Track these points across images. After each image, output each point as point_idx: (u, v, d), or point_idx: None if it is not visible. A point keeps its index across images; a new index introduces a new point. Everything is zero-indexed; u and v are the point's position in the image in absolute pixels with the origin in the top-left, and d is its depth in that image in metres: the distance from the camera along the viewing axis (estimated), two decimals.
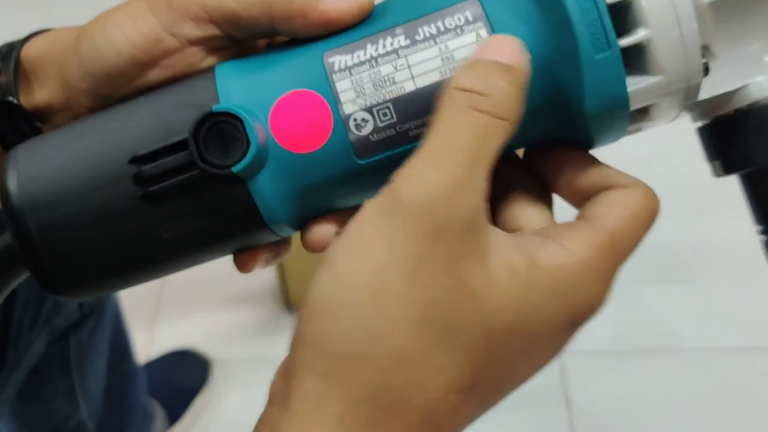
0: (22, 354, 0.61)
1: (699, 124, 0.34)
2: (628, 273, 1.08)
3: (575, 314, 0.29)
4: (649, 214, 0.31)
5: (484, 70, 0.29)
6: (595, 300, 0.29)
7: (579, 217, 0.31)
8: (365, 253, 0.27)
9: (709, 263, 1.05)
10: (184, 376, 1.03)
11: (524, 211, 0.33)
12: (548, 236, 0.30)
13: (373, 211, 0.28)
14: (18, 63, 0.37)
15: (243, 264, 0.37)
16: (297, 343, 0.28)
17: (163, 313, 1.13)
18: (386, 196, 0.28)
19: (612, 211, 0.30)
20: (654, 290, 1.09)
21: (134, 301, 0.96)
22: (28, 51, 0.38)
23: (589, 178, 0.32)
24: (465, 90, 0.28)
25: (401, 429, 0.27)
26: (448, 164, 0.27)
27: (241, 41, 0.35)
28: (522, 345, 0.28)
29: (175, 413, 0.99)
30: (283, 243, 0.38)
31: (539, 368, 0.30)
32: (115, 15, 0.34)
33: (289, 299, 1.11)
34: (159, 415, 0.97)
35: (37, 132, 0.38)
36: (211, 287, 1.09)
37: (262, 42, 0.37)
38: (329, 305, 0.27)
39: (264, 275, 1.12)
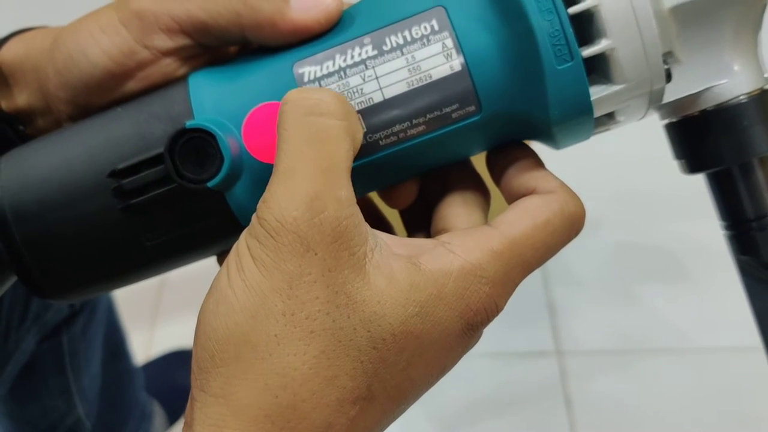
0: (12, 351, 0.61)
1: (666, 121, 0.34)
2: (628, 273, 1.08)
3: (467, 318, 0.29)
4: (564, 223, 0.31)
5: (308, 87, 0.30)
6: (488, 304, 0.29)
7: (488, 223, 0.31)
8: (243, 278, 0.28)
9: (709, 263, 1.04)
10: (184, 376, 1.02)
11: (453, 213, 0.33)
12: (443, 241, 0.30)
13: (246, 238, 0.28)
14: None
15: None
16: (194, 369, 0.28)
17: (163, 313, 1.13)
18: (254, 223, 0.28)
19: (518, 217, 0.30)
20: (654, 290, 1.08)
21: (134, 301, 0.97)
22: (5, 55, 0.38)
23: (520, 179, 0.32)
24: (293, 100, 0.29)
25: None
26: (300, 178, 0.27)
27: (214, 48, 0.35)
28: (414, 349, 0.28)
29: (175, 413, 0.99)
30: None
31: (441, 373, 0.30)
32: (87, 26, 0.35)
33: None
34: (159, 414, 0.97)
35: (20, 135, 0.38)
36: None
37: (234, 47, 0.37)
38: (213, 330, 0.28)
39: None
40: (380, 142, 0.32)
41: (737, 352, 1.00)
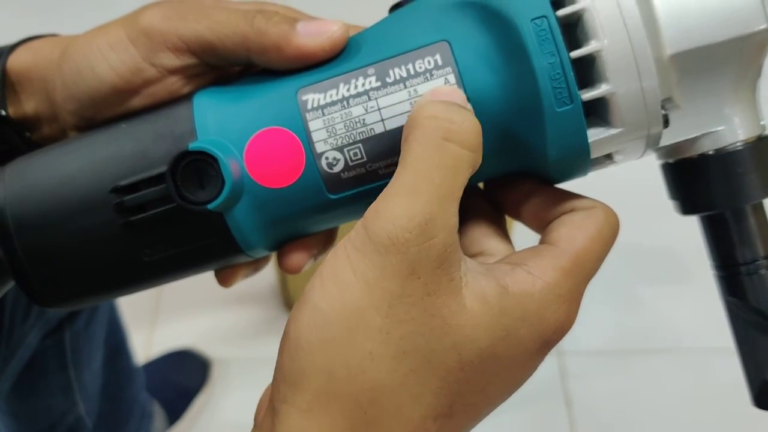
0: (16, 346, 0.62)
1: (662, 161, 0.35)
2: (628, 273, 1.08)
3: (546, 336, 0.30)
4: (610, 232, 0.31)
5: (450, 103, 0.29)
6: (565, 321, 0.30)
7: (543, 242, 0.32)
8: (341, 291, 0.28)
9: (709, 263, 1.04)
10: (184, 376, 1.03)
11: (485, 237, 0.34)
12: (515, 263, 0.30)
13: (347, 248, 0.28)
14: (4, 74, 0.38)
15: (224, 280, 0.39)
16: (279, 379, 0.28)
17: (163, 313, 1.14)
18: (360, 233, 0.28)
19: (574, 233, 0.31)
20: (654, 290, 1.09)
21: (134, 301, 0.97)
22: (12, 63, 0.38)
23: (552, 206, 0.33)
24: (437, 118, 0.29)
25: None
26: (421, 200, 0.27)
27: (220, 68, 0.36)
28: (495, 370, 0.29)
29: (175, 413, 1.00)
30: (262, 258, 0.39)
31: (515, 389, 0.31)
32: (96, 42, 0.35)
33: (289, 299, 1.11)
34: (159, 414, 0.97)
35: (25, 141, 0.39)
36: (211, 287, 1.08)
37: (239, 67, 0.37)
38: (307, 342, 0.28)
39: (264, 275, 1.12)
40: (380, 171, 0.32)
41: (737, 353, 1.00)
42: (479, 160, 0.30)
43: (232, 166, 0.31)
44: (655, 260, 1.12)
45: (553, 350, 1.07)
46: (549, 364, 1.03)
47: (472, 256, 0.34)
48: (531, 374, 0.31)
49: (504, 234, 0.34)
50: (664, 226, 1.13)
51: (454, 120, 0.29)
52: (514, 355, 0.29)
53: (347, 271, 0.28)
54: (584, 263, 0.30)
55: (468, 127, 0.29)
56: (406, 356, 0.27)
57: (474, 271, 0.29)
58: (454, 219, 0.28)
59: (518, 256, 0.31)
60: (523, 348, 0.29)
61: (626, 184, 1.17)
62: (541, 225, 0.33)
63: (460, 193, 0.29)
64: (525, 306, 0.29)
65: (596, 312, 1.08)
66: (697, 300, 1.05)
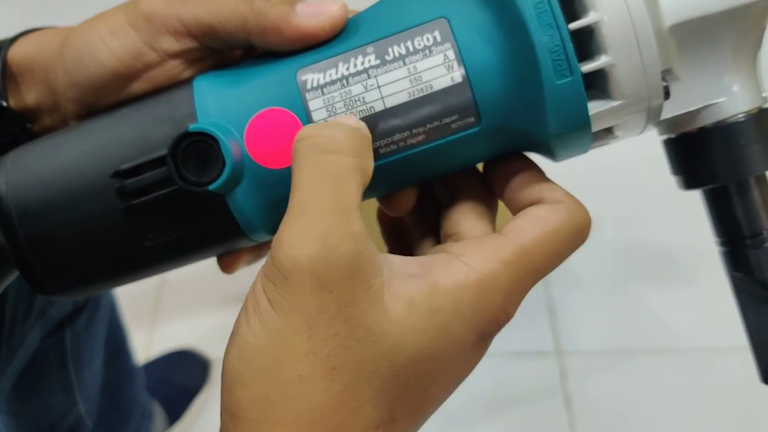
0: (17, 346, 0.62)
1: (664, 137, 0.35)
2: (628, 273, 1.07)
3: (482, 329, 0.29)
4: (571, 232, 0.31)
5: (321, 123, 0.31)
6: (500, 313, 0.30)
7: (498, 231, 0.31)
8: (262, 322, 0.28)
9: (709, 263, 1.03)
10: (184, 376, 1.03)
11: (464, 218, 0.34)
12: (456, 253, 0.30)
13: (262, 280, 0.29)
14: (5, 65, 0.38)
15: (226, 266, 0.39)
16: (222, 412, 0.29)
17: (163, 313, 1.13)
18: (268, 265, 0.29)
19: (528, 225, 0.31)
20: (654, 290, 1.09)
21: (134, 301, 0.97)
22: (14, 54, 0.38)
23: (526, 191, 0.33)
24: (308, 136, 0.29)
25: None
26: (312, 216, 0.28)
27: (220, 52, 0.36)
28: (433, 369, 0.29)
29: (175, 413, 1.00)
30: (264, 244, 0.39)
31: (458, 384, 0.31)
32: (96, 27, 0.35)
33: None
34: (159, 415, 0.97)
35: (26, 132, 0.39)
36: (211, 287, 1.09)
37: (240, 51, 0.37)
38: (240, 375, 0.28)
39: None
40: (380, 150, 0.32)
41: (737, 352, 1.00)
42: (366, 164, 0.30)
43: (232, 146, 0.31)
44: (655, 260, 1.12)
45: (553, 350, 1.07)
46: (549, 364, 1.03)
47: (446, 237, 0.34)
48: (473, 367, 0.31)
49: (487, 216, 0.34)
50: (664, 226, 1.14)
51: (324, 133, 0.29)
52: (451, 352, 0.29)
53: (264, 302, 0.28)
54: (530, 258, 0.30)
55: (341, 134, 0.29)
56: (337, 372, 0.27)
57: (399, 274, 0.29)
58: (357, 226, 0.28)
59: (461, 245, 0.31)
60: (461, 344, 0.29)
61: (627, 184, 1.17)
62: (515, 210, 0.33)
63: (357, 200, 0.29)
64: (458, 300, 0.29)
65: (596, 312, 1.08)
66: (698, 300, 1.05)
